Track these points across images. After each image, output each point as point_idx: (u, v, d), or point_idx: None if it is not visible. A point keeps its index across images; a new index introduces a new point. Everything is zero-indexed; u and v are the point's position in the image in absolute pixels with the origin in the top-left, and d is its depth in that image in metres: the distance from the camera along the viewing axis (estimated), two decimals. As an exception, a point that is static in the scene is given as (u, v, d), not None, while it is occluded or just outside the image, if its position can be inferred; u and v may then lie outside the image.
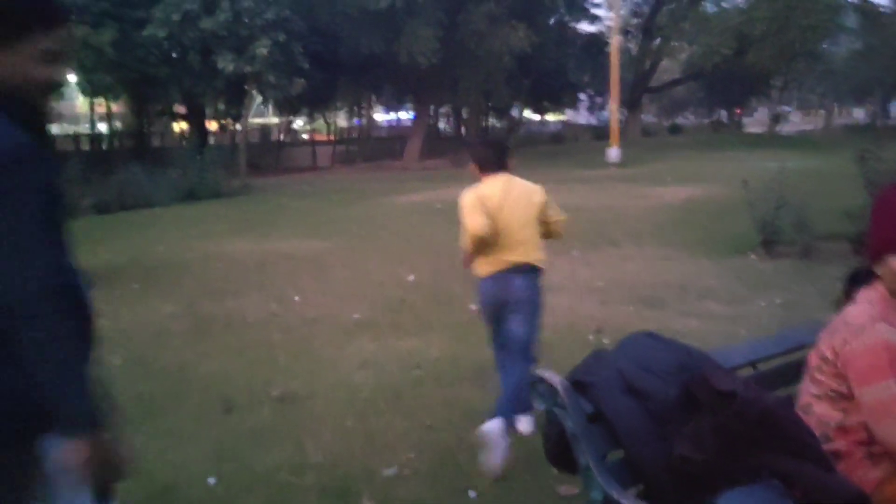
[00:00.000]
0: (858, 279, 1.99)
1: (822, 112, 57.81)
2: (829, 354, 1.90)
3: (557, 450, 1.99)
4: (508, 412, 3.30)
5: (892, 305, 1.88)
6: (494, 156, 3.76)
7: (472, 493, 3.03)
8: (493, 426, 3.16)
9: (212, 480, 3.21)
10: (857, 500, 1.66)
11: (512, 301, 3.58)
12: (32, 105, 1.55)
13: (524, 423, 3.54)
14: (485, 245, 3.55)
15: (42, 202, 1.48)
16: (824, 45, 32.72)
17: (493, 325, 3.76)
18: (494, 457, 3.12)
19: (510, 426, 3.27)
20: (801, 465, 1.71)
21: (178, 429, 3.79)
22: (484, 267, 3.66)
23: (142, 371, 4.75)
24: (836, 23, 28.07)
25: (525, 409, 3.47)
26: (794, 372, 2.39)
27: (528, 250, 3.60)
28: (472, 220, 3.51)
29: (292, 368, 4.72)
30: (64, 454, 1.46)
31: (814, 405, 1.94)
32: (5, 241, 1.43)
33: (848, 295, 2.00)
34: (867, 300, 1.91)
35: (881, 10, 32.15)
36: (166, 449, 3.54)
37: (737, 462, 1.72)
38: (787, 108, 49.07)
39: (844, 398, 1.87)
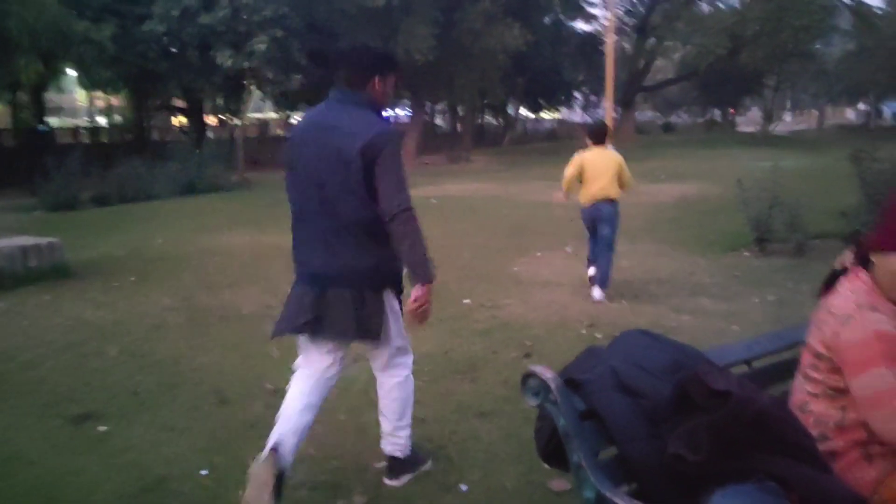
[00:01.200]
0: (839, 275, 1.99)
1: (815, 112, 57.96)
2: (821, 350, 1.90)
3: (549, 447, 1.99)
4: (604, 282, 6.12)
5: (878, 294, 1.88)
6: (599, 135, 6.28)
7: (463, 487, 3.04)
8: (593, 292, 6.13)
9: (204, 472, 3.22)
10: (854, 502, 1.66)
11: (600, 217, 6.11)
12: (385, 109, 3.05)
13: (598, 293, 6.11)
14: (572, 182, 6.23)
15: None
16: (817, 46, 32.84)
17: (590, 231, 6.31)
18: (597, 296, 6.05)
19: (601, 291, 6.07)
20: (797, 467, 1.70)
21: (172, 421, 3.80)
22: (585, 198, 6.17)
23: (137, 363, 4.75)
24: (829, 23, 28.15)
25: (604, 284, 6.14)
26: (788, 369, 2.39)
27: (609, 191, 6.07)
28: (566, 171, 6.23)
29: (286, 362, 4.68)
30: (421, 296, 2.75)
31: (811, 403, 1.92)
32: (396, 179, 2.74)
33: (828, 287, 2.00)
34: (850, 290, 1.91)
35: (875, 10, 32.27)
36: (160, 441, 3.55)
37: (731, 462, 1.71)
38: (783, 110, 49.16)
39: (843, 394, 1.86)
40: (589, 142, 6.29)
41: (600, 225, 6.12)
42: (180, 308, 6.18)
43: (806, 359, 1.98)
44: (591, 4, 36.32)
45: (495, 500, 2.94)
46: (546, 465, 2.15)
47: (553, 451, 1.97)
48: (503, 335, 5.16)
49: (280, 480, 2.67)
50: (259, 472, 2.65)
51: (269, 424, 3.70)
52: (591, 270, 6.26)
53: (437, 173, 21.74)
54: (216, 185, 17.63)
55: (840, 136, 32.31)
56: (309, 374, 3.03)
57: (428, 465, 3.19)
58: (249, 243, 9.38)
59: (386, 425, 3.10)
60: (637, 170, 8.44)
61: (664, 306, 5.82)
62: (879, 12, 33.18)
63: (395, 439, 3.09)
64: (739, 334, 4.84)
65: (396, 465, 3.10)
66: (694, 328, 5.14)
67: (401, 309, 2.96)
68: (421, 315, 2.79)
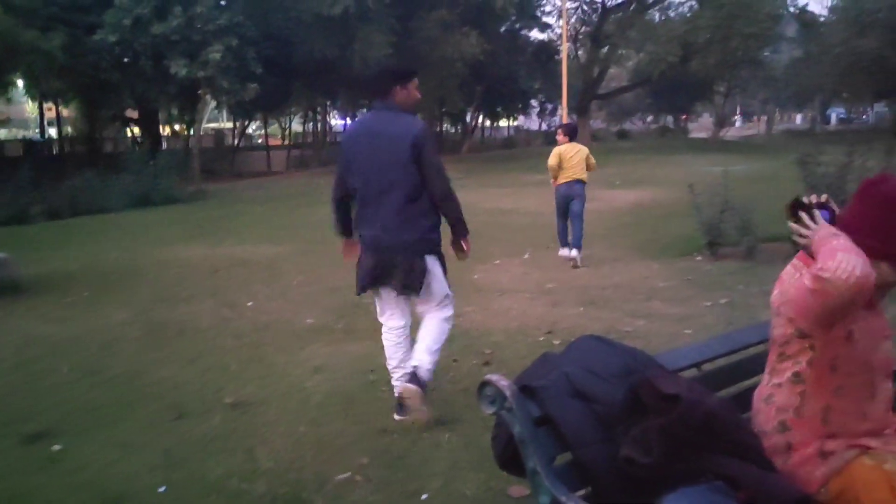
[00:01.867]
0: None
1: (764, 117, 59.46)
2: (789, 330, 1.90)
3: (506, 453, 2.01)
4: (578, 245, 7.93)
5: None
6: (573, 133, 8.34)
7: (424, 496, 3.06)
8: (571, 252, 7.95)
9: (162, 489, 3.18)
10: (799, 500, 1.71)
11: (574, 193, 7.99)
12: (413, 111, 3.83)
13: (575, 253, 7.96)
14: (557, 170, 8.04)
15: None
16: (766, 53, 33.73)
17: (563, 207, 8.10)
18: (569, 259, 7.98)
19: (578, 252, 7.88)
20: (744, 466, 1.74)
21: (128, 438, 3.74)
22: (561, 180, 8.05)
23: (92, 379, 4.67)
24: (777, 31, 28.96)
25: (578, 246, 7.96)
26: (737, 372, 2.47)
27: (580, 174, 8.00)
28: (550, 160, 8.06)
29: (244, 375, 4.69)
30: (465, 244, 3.91)
31: (775, 395, 1.97)
32: (437, 167, 3.68)
33: None
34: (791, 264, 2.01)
35: (820, 18, 33.29)
36: (117, 458, 3.50)
37: (682, 464, 1.75)
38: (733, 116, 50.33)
39: (803, 380, 1.90)
40: (565, 138, 8.15)
41: (573, 201, 8.02)
42: (136, 322, 6.09)
43: (773, 352, 2.01)
44: (546, 13, 36.85)
45: (456, 508, 2.97)
46: (504, 472, 2.18)
47: (510, 457, 1.99)
48: (463, 343, 5.19)
49: (403, 401, 3.73)
50: (409, 389, 3.69)
51: (229, 438, 3.69)
52: (564, 251, 8.14)
53: (395, 182, 21.73)
54: (171, 196, 17.39)
55: (788, 141, 33.14)
56: (387, 326, 3.98)
57: (426, 411, 3.74)
58: (206, 255, 9.27)
59: (420, 346, 3.86)
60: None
61: (620, 311, 5.92)
62: (823, 20, 34.24)
63: (422, 358, 3.82)
64: (692, 337, 4.95)
65: (414, 378, 3.76)
66: (648, 332, 5.24)
67: (444, 268, 3.90)
68: (464, 256, 4.07)
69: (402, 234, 3.68)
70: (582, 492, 1.89)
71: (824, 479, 1.88)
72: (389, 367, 3.96)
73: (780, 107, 57.59)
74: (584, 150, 8.10)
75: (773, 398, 1.98)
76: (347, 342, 5.34)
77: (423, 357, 3.80)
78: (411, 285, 3.73)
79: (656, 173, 19.91)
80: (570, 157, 7.95)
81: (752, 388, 2.19)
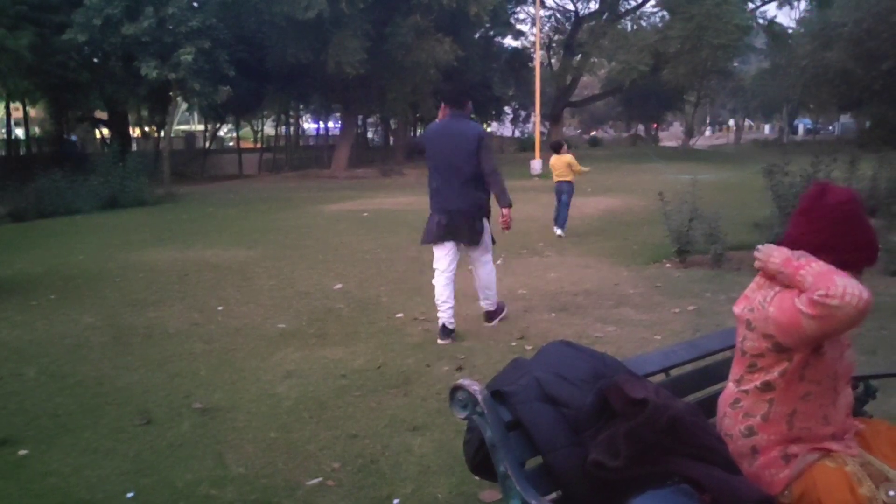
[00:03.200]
0: None
1: (733, 127, 60.43)
2: (764, 345, 1.94)
3: (478, 458, 2.02)
4: (563, 225, 10.84)
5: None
6: (557, 147, 11.44)
7: (395, 501, 3.07)
8: (556, 230, 10.87)
9: (130, 495, 3.14)
10: (761, 501, 1.75)
11: (562, 189, 10.94)
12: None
13: (559, 231, 10.84)
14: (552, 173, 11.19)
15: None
16: (735, 64, 34.33)
17: (557, 198, 10.97)
18: (559, 233, 10.80)
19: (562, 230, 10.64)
20: (709, 469, 1.77)
21: (95, 444, 3.69)
22: (554, 180, 11.17)
23: (58, 385, 4.60)
24: (746, 42, 29.48)
25: (563, 226, 10.87)
26: (704, 377, 2.52)
27: (565, 176, 11.05)
28: (551, 164, 11.35)
29: (214, 380, 4.65)
30: (506, 213, 5.46)
31: (742, 400, 2.01)
32: (491, 153, 5.38)
33: None
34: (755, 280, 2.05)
35: (788, 31, 33.95)
36: (83, 464, 3.45)
37: (648, 467, 1.78)
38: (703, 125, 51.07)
39: (772, 388, 1.94)
40: (552, 152, 11.56)
41: (562, 194, 11.00)
42: (103, 327, 6.01)
43: (741, 362, 2.04)
44: (520, 21, 37.06)
45: (427, 513, 2.98)
46: (475, 476, 2.19)
47: (481, 461, 2.01)
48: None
49: (447, 329, 5.37)
50: (446, 326, 5.37)
51: (198, 444, 3.66)
52: (558, 230, 10.91)
53: (369, 187, 21.71)
54: (141, 199, 17.19)
55: (755, 151, 33.75)
56: (441, 270, 5.40)
57: (506, 311, 5.95)
58: (176, 259, 9.18)
59: (481, 294, 5.74)
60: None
61: (590, 318, 5.97)
62: (791, 32, 34.92)
63: (487, 300, 5.73)
64: (661, 343, 5.01)
65: (489, 315, 5.80)
66: (618, 338, 5.30)
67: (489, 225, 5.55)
68: (506, 226, 5.54)
69: (466, 201, 5.27)
70: (552, 495, 1.90)
71: (788, 481, 1.93)
72: (437, 303, 5.41)
73: (748, 117, 58.56)
74: (566, 157, 11.17)
75: (740, 403, 2.02)
76: (319, 347, 5.32)
77: (486, 299, 5.74)
78: (474, 239, 5.39)
79: (627, 181, 20.14)
80: (555, 164, 11.29)
81: (717, 394, 2.23)
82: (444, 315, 5.34)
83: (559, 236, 10.73)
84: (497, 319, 5.77)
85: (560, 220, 10.94)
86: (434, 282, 5.42)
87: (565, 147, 11.60)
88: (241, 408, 4.15)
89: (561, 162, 11.16)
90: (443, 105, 5.59)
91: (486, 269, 5.58)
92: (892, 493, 1.77)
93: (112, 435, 3.80)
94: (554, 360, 2.13)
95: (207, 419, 4.00)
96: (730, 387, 2.12)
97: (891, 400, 3.54)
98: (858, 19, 31.14)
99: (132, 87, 21.03)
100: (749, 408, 2.00)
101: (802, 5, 39.09)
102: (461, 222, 5.27)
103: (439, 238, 5.32)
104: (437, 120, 5.64)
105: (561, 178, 11.10)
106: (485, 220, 5.42)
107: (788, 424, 1.95)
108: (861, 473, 1.84)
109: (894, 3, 29.71)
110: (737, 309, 2.09)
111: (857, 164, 10.45)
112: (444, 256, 5.38)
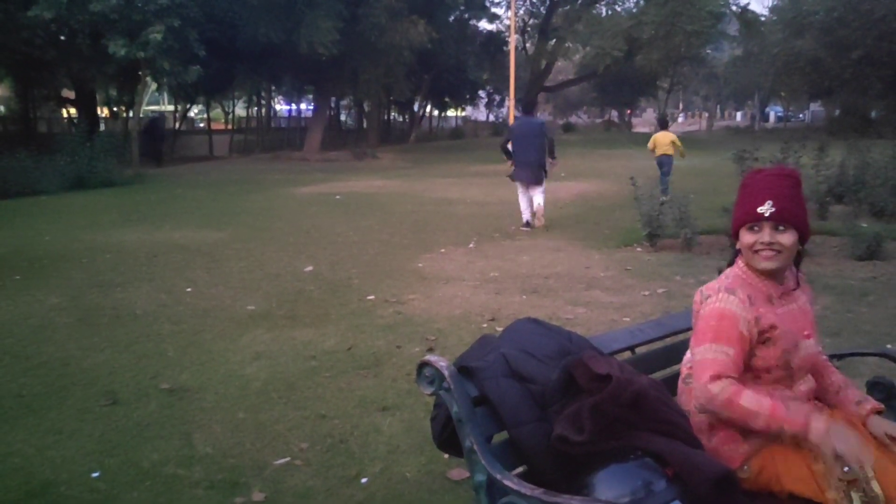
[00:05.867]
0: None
1: (706, 114, 60.94)
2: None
3: (444, 434, 2.02)
4: (665, 192, 12.08)
5: (751, 281, 2.03)
6: (665, 124, 13.86)
7: (364, 480, 3.07)
8: (664, 197, 10.61)
9: (96, 475, 3.11)
10: (723, 476, 1.77)
11: (663, 163, 12.81)
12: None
13: (664, 198, 11.03)
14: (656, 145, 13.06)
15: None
16: (708, 51, 34.56)
17: (660, 168, 12.95)
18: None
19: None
20: (671, 444, 1.79)
21: (60, 424, 3.64)
22: (658, 153, 12.83)
23: (22, 365, 4.52)
24: (718, 29, 29.66)
25: (666, 192, 11.84)
26: (669, 355, 2.55)
27: (667, 150, 12.70)
28: (655, 139, 13.17)
29: (182, 361, 4.61)
30: (553, 162, 10.24)
31: (692, 377, 2.02)
32: (552, 137, 10.20)
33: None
34: (725, 275, 2.06)
35: (761, 18, 34.21)
36: (47, 445, 3.40)
37: (612, 441, 1.79)
38: (675, 111, 51.43)
39: None
40: (659, 127, 13.64)
41: (663, 166, 12.77)
42: (69, 308, 5.91)
43: (692, 341, 2.08)
44: (495, 4, 36.90)
45: (395, 491, 2.98)
46: (445, 454, 2.20)
47: (448, 437, 2.01)
48: (407, 330, 5.20)
49: (527, 223, 10.02)
50: (533, 220, 9.97)
51: (165, 424, 3.64)
52: (663, 198, 10.95)
53: (342, 169, 21.56)
54: (108, 179, 16.89)
55: (727, 138, 34.06)
56: (523, 192, 9.98)
57: (539, 223, 10.00)
58: (144, 240, 9.05)
59: (536, 206, 9.89)
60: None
61: (561, 300, 6.01)
62: (763, 20, 35.20)
63: (538, 207, 9.91)
64: (630, 325, 5.05)
65: (528, 223, 10.00)
66: (588, 320, 5.34)
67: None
68: (553, 171, 10.39)
69: (536, 160, 9.74)
70: (518, 470, 1.91)
71: (746, 456, 1.95)
72: (522, 209, 10.03)
73: (720, 104, 59.07)
74: (671, 136, 12.87)
75: (692, 379, 2.05)
76: (289, 329, 5.29)
77: (538, 207, 9.89)
78: (538, 181, 9.82)
79: (600, 166, 20.24)
80: (659, 140, 12.86)
81: (682, 371, 2.26)
82: (525, 215, 10.00)
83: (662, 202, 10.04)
84: (534, 226, 9.97)
85: (663, 189, 11.88)
86: (519, 199, 10.13)
87: (670, 125, 13.47)
88: (209, 388, 4.11)
89: (666, 139, 12.56)
90: (521, 108, 12.18)
91: (540, 196, 9.92)
92: (846, 468, 1.80)
93: (77, 415, 3.75)
94: (521, 337, 2.13)
95: (175, 400, 3.97)
96: (684, 361, 2.18)
97: (854, 380, 3.60)
98: (829, 8, 31.48)
99: (100, 66, 20.55)
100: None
101: (775, -7, 39.51)
102: (532, 169, 9.82)
103: (518, 179, 10.01)
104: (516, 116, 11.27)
105: (663, 153, 12.46)
106: (542, 172, 9.84)
107: None
108: (818, 449, 1.88)
109: (864, -8, 30.11)
110: (697, 300, 2.12)
111: (826, 152, 10.62)
112: (524, 189, 10.01)
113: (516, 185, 10.10)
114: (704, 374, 1.90)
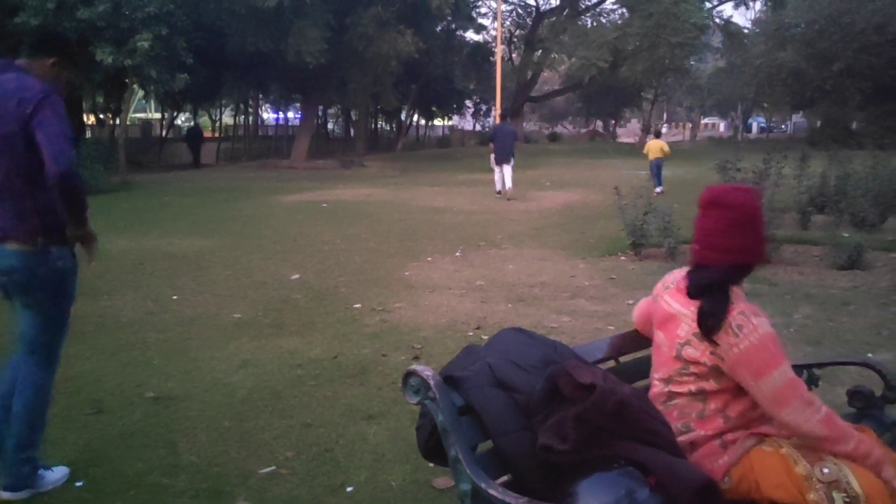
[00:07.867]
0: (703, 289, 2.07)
1: (689, 124, 61.44)
2: (705, 360, 1.97)
3: (430, 443, 2.04)
4: (659, 184, 16.13)
5: (742, 296, 2.06)
6: (658, 134, 18.92)
7: (349, 489, 3.08)
8: (658, 189, 15.56)
9: (79, 484, 3.10)
10: (705, 484, 1.80)
11: (656, 164, 15.99)
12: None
13: (659, 189, 15.83)
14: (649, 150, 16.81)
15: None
16: (692, 62, 34.85)
17: (652, 170, 16.24)
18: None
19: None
20: (654, 453, 1.82)
21: (44, 432, 3.61)
22: (651, 157, 16.14)
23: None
24: (702, 41, 29.98)
25: (660, 185, 15.87)
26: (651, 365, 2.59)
27: (657, 155, 16.04)
28: (648, 146, 17.11)
29: (167, 369, 4.60)
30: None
31: (676, 398, 2.06)
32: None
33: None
34: (730, 301, 1.99)
35: (744, 30, 34.59)
36: (30, 455, 3.38)
37: (596, 450, 1.82)
38: (659, 122, 51.82)
39: (706, 394, 2.00)
40: (653, 136, 17.88)
41: (655, 167, 15.66)
42: (53, 316, 5.86)
43: (669, 364, 2.07)
44: (482, 15, 37.11)
45: (380, 500, 2.99)
46: (428, 463, 2.21)
47: (433, 447, 2.03)
48: (393, 338, 5.22)
49: (498, 191, 15.21)
50: (504, 192, 15.01)
51: (150, 433, 3.63)
52: (657, 189, 14.69)
53: (329, 178, 21.55)
54: (95, 187, 16.73)
55: (710, 148, 34.29)
56: (497, 170, 15.03)
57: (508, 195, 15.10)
58: (130, 248, 9.01)
59: (507, 182, 14.85)
60: (524, 178, 8.76)
61: (546, 308, 6.05)
62: (746, 32, 35.59)
63: (508, 183, 14.77)
64: (614, 334, 5.09)
65: (499, 192, 15.26)
66: (573, 328, 5.38)
67: None
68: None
69: (507, 149, 14.84)
70: (503, 479, 1.93)
71: (727, 467, 1.98)
72: (496, 180, 15.19)
73: (704, 114, 59.54)
74: (661, 143, 16.22)
75: (674, 401, 2.06)
76: (275, 337, 5.29)
77: (509, 186, 14.75)
78: (508, 162, 14.82)
79: (585, 176, 20.35)
80: (651, 146, 16.33)
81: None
82: (497, 186, 14.82)
83: (658, 193, 14.20)
84: (507, 197, 14.48)
85: (657, 183, 15.31)
86: (495, 175, 14.96)
87: (661, 134, 18.17)
88: (194, 397, 4.11)
89: (657, 145, 16.05)
90: (502, 116, 18.95)
91: (510, 172, 14.44)
92: (826, 470, 1.84)
93: (62, 424, 3.73)
94: (506, 347, 2.16)
95: (160, 408, 3.96)
96: (657, 385, 2.14)
97: (834, 389, 3.67)
98: (811, 20, 31.87)
99: (87, 73, 20.47)
100: (684, 406, 2.05)
101: (758, 6, 40.02)
102: (506, 158, 14.58)
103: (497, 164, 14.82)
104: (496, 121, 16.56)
105: (655, 157, 15.75)
106: (510, 156, 14.84)
107: (724, 419, 2.01)
108: (796, 454, 1.91)
109: (845, 4, 30.49)
110: (672, 308, 2.11)
111: (808, 162, 10.75)
112: (499, 170, 14.66)
113: (494, 167, 15.09)
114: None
